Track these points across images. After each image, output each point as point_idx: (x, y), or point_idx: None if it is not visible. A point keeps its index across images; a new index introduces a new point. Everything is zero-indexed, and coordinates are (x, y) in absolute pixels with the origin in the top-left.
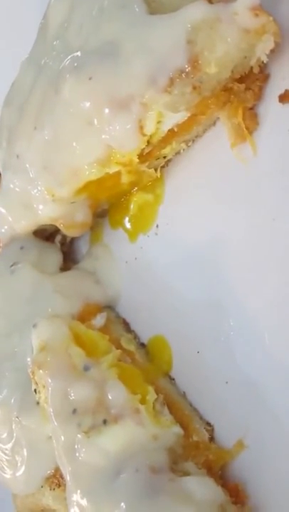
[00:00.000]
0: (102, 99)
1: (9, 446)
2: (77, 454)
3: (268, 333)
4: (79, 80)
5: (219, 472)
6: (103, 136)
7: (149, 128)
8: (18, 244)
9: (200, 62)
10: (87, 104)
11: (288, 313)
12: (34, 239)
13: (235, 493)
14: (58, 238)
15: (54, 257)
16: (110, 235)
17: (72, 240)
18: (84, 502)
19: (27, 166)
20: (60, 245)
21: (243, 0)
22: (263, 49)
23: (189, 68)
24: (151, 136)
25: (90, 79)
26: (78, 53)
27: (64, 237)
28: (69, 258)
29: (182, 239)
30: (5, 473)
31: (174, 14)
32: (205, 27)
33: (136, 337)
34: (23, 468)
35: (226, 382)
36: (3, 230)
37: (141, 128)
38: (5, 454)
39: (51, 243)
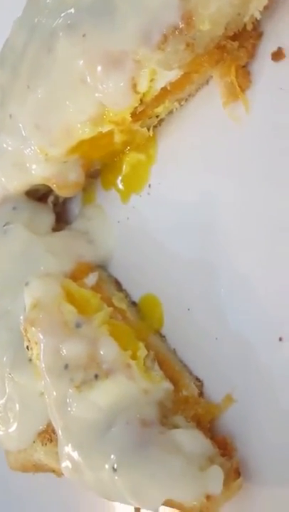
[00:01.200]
0: (95, 57)
1: (1, 402)
2: (68, 409)
3: (258, 291)
4: (72, 37)
5: (208, 426)
6: (96, 95)
7: (142, 86)
8: (10, 205)
9: (193, 18)
10: (81, 62)
11: (277, 272)
12: (27, 199)
13: (223, 446)
14: (51, 199)
15: (46, 217)
16: (103, 196)
17: (65, 200)
18: (75, 455)
19: (20, 125)
20: (52, 206)
21: None
22: (256, 5)
23: (183, 25)
24: (144, 94)
25: (83, 36)
26: (72, 10)
27: (57, 197)
28: (62, 219)
29: (174, 199)
30: None
31: None
32: None
33: (127, 296)
34: (15, 424)
35: (216, 339)
36: None
37: (134, 86)
38: None
39: (44, 204)
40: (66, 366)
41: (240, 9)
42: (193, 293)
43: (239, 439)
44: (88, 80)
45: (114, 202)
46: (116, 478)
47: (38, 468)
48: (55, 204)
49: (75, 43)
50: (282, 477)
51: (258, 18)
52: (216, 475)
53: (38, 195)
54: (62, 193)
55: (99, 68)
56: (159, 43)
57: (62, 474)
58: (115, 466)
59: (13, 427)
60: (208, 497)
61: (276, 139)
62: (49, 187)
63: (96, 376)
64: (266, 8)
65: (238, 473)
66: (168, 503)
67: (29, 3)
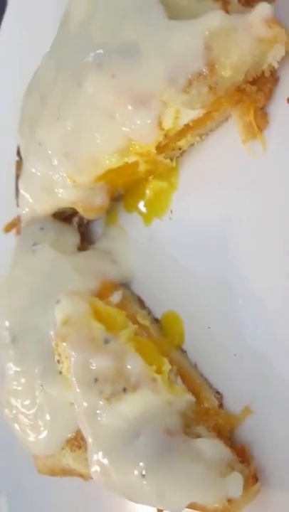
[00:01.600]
0: (124, 96)
1: (32, 411)
2: (98, 419)
3: (274, 311)
4: (102, 77)
5: (228, 435)
6: (124, 129)
7: (167, 123)
8: (38, 225)
9: (216, 66)
10: (110, 100)
11: None
12: (53, 220)
13: (242, 453)
14: (76, 220)
15: (72, 237)
16: (125, 218)
17: (88, 221)
18: (105, 461)
19: (49, 153)
20: (77, 226)
21: (258, 12)
22: (274, 56)
23: (207, 71)
24: (168, 130)
25: (112, 76)
26: (101, 50)
27: (81, 218)
28: (85, 239)
29: (195, 224)
30: (28, 436)
31: (194, 21)
32: (222, 35)
33: (150, 313)
34: (45, 432)
35: (235, 355)
36: (24, 212)
37: (160, 123)
38: (28, 419)
39: (69, 224)
40: (96, 380)
41: (259, 59)
42: (213, 312)
43: (256, 447)
44: (117, 115)
45: (136, 224)
46: (144, 483)
47: (65, 472)
48: (80, 225)
49: (104, 82)
50: None
51: (276, 67)
52: (236, 480)
53: (64, 216)
54: (88, 215)
55: (128, 107)
56: (185, 87)
57: (90, 478)
58: (144, 472)
59: (43, 435)
60: (229, 500)
61: None
62: (74, 209)
63: (124, 389)
64: (283, 58)
65: (255, 478)
66: (192, 506)
67: (58, 39)
